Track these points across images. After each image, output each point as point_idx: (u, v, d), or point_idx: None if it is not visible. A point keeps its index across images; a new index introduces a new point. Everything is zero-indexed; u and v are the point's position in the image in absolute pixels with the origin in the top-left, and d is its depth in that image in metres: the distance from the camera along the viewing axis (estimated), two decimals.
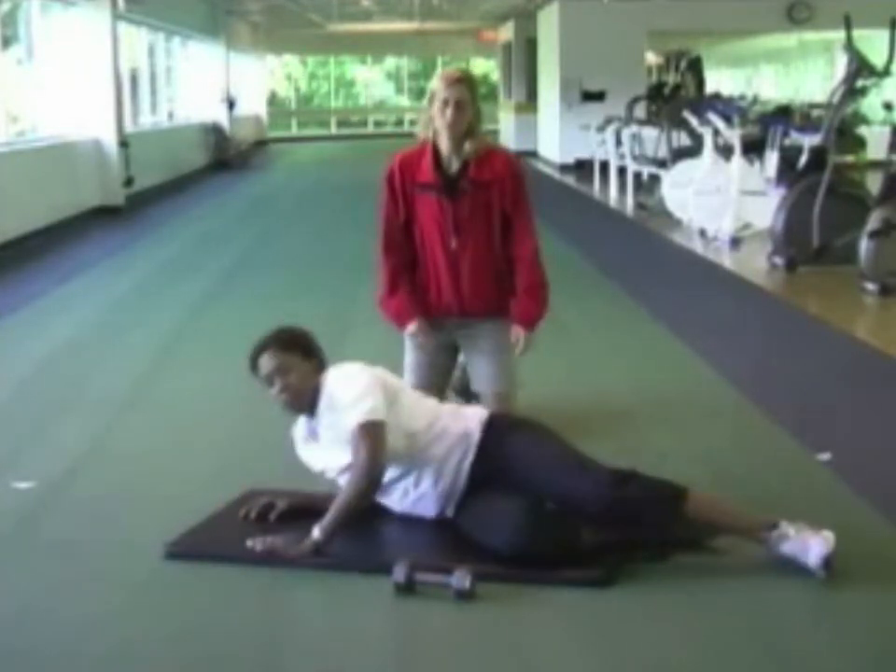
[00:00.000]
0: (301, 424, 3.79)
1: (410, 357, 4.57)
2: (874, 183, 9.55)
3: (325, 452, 3.70)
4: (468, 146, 4.40)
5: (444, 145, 4.40)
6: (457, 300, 4.50)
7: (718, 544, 3.49)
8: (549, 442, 3.63)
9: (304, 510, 3.72)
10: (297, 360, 3.65)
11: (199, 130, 21.72)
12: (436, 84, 4.38)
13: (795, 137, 10.27)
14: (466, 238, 4.44)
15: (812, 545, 3.33)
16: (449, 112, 4.30)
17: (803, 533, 3.36)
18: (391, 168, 4.48)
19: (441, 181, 4.42)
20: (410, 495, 3.67)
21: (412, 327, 4.50)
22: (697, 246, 10.59)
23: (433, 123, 4.38)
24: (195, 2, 21.82)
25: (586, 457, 3.57)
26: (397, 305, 4.54)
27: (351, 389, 3.58)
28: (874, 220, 7.83)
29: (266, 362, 3.65)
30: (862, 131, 11.05)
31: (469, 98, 4.34)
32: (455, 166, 4.43)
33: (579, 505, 3.43)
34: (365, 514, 3.76)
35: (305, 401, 3.67)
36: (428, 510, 3.67)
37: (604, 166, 15.94)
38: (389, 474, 3.62)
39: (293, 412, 3.75)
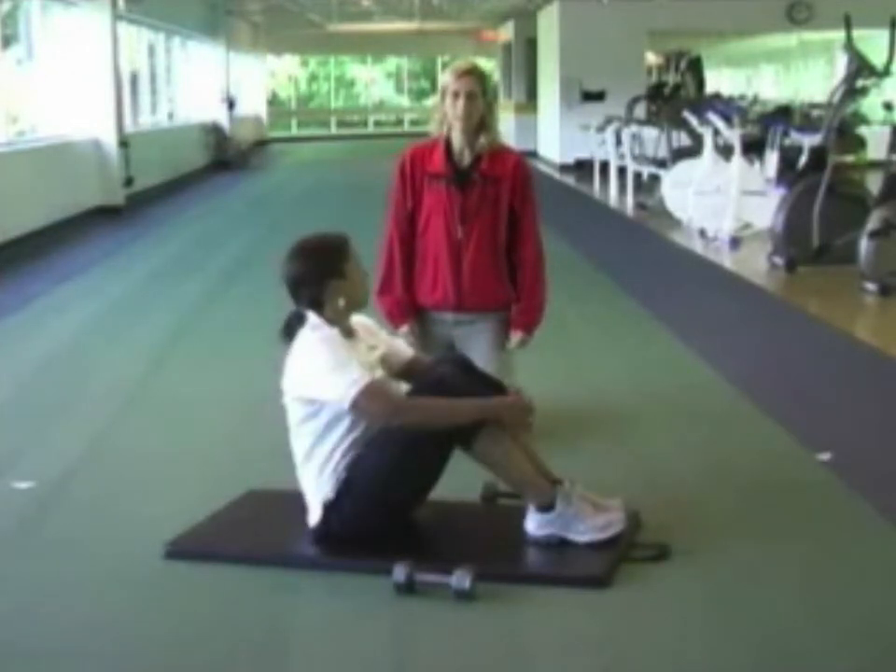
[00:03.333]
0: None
1: None
2: (874, 183, 9.55)
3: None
4: (482, 139, 4.42)
5: (457, 138, 4.43)
6: (455, 292, 4.49)
7: (717, 544, 3.50)
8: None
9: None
10: None
11: (199, 130, 21.71)
12: (446, 77, 4.42)
13: (795, 137, 10.27)
14: (471, 228, 4.45)
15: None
16: (459, 104, 4.32)
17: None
18: (404, 158, 4.52)
19: (452, 172, 4.43)
20: None
21: (403, 329, 4.50)
22: (697, 246, 10.59)
23: (446, 118, 4.39)
24: (195, 2, 21.82)
25: None
26: (390, 304, 4.54)
27: None
28: (874, 220, 7.83)
29: None
30: (862, 131, 11.05)
31: (478, 90, 4.36)
32: (467, 159, 4.45)
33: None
34: None
35: None
36: None
37: (604, 166, 15.94)
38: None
39: None
